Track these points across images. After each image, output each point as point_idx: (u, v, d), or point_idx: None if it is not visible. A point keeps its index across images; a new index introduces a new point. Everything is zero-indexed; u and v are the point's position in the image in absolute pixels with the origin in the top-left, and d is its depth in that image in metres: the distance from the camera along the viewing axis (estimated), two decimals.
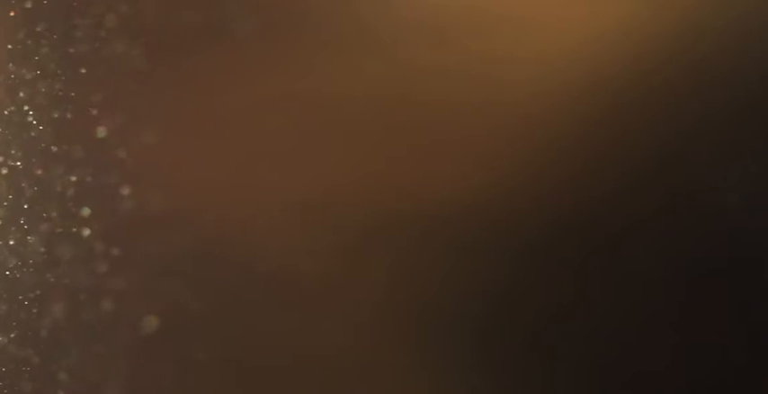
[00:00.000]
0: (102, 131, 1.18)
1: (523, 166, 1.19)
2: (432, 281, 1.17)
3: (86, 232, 1.16)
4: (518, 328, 1.16)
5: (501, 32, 1.21)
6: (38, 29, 1.19)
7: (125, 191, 1.17)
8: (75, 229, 1.16)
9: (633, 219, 1.16)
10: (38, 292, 1.15)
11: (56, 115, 1.18)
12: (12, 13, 1.17)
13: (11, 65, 1.18)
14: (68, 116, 1.18)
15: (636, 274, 1.16)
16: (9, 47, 1.19)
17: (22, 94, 1.18)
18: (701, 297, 1.14)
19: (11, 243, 1.16)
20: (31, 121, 1.18)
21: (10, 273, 1.16)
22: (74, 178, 1.17)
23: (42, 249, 1.16)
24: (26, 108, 1.19)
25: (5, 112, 1.19)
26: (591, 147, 1.18)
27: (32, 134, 1.18)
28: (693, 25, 1.18)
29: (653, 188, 1.17)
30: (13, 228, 1.16)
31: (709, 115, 1.17)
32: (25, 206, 1.17)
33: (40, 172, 1.17)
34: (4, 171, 1.17)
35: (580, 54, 1.19)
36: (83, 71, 1.19)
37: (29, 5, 1.19)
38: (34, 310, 1.15)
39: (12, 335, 1.15)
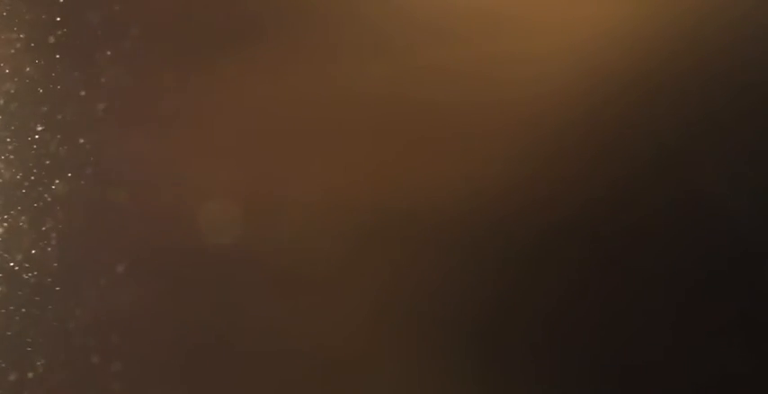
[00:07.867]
0: (112, 129, 1.20)
1: (526, 166, 1.18)
2: (432, 281, 1.17)
3: (91, 225, 1.17)
4: (518, 328, 1.16)
5: (506, 32, 1.21)
6: (59, 32, 1.21)
7: (127, 188, 1.18)
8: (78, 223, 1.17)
9: (635, 218, 1.16)
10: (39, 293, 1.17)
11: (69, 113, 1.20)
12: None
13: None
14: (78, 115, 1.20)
15: (637, 274, 1.15)
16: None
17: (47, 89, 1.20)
18: (702, 297, 1.13)
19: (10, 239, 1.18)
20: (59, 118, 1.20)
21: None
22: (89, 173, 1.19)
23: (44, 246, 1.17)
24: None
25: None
26: (594, 147, 1.18)
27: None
28: (696, 24, 1.17)
29: (655, 187, 1.16)
30: (6, 225, 1.18)
31: (711, 114, 1.16)
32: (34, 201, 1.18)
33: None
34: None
35: (584, 53, 1.19)
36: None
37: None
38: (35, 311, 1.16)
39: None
